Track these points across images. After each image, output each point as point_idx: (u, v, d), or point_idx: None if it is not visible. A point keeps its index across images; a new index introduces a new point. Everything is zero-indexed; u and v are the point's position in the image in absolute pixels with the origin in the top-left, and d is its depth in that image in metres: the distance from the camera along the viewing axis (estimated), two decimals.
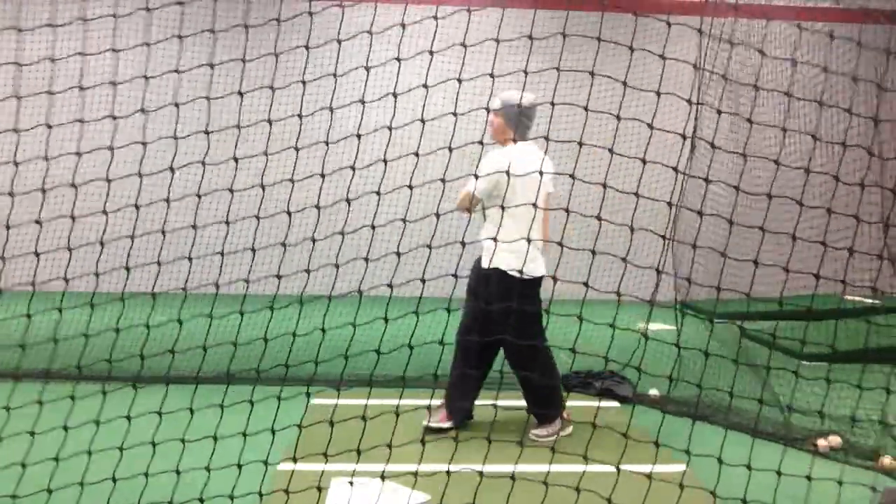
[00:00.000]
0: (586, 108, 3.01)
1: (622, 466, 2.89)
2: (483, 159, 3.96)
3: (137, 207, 3.22)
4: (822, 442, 4.30)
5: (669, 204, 3.14)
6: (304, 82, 3.25)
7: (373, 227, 3.01)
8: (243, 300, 3.08)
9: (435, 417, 4.37)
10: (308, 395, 3.24)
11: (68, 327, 3.12)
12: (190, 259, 3.20)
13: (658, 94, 2.97)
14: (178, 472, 2.93)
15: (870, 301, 6.94)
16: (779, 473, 2.95)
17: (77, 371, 3.07)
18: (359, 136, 3.13)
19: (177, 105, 3.26)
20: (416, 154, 3.02)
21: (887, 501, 3.28)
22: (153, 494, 2.95)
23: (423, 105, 3.13)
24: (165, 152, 3.62)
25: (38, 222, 3.09)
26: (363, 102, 3.16)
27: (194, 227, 3.24)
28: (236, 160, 3.35)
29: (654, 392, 5.31)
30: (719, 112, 3.20)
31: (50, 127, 3.23)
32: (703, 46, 3.12)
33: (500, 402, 3.61)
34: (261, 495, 3.01)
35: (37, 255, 3.06)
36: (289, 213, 3.23)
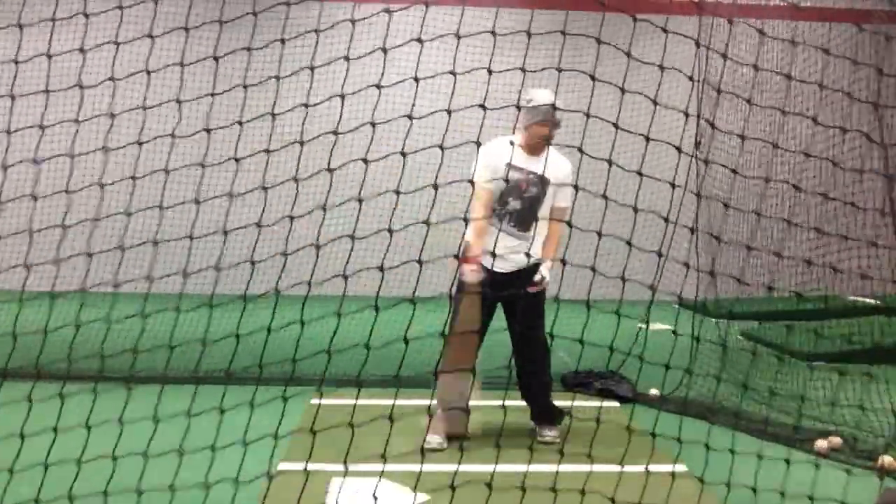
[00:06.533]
0: (587, 114, 2.91)
1: (624, 466, 2.84)
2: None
3: (102, 186, 3.06)
4: (821, 443, 4.25)
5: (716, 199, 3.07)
6: (245, 86, 3.13)
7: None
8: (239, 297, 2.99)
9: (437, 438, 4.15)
10: (304, 391, 3.15)
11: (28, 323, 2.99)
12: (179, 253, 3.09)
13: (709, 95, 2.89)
14: (171, 489, 2.83)
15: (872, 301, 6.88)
16: (787, 462, 2.89)
17: (66, 371, 2.96)
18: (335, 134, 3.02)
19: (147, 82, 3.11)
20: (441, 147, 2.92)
21: (886, 501, 3.24)
22: (147, 498, 2.86)
23: (375, 107, 3.02)
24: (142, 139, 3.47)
25: None
26: (306, 106, 3.01)
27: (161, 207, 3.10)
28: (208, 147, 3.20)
29: (654, 392, 5.26)
30: (783, 111, 3.12)
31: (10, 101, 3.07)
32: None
33: (508, 403, 3.55)
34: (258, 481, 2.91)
35: None
36: (265, 199, 3.06)
